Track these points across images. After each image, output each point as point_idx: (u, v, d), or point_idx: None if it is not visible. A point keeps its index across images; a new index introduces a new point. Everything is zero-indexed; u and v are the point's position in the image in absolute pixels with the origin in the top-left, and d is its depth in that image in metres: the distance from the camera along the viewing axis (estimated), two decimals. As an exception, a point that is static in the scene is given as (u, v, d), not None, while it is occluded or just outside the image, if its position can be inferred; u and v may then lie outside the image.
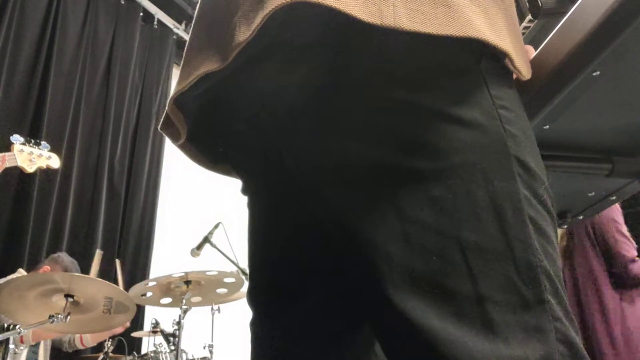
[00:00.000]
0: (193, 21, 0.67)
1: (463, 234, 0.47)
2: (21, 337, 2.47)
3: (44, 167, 2.46)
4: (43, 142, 2.48)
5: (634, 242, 2.26)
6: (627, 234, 2.27)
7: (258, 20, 0.50)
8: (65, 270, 2.78)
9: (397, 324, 0.48)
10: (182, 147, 0.70)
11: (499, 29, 0.52)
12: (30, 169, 2.38)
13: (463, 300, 0.45)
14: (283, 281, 0.67)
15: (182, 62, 0.64)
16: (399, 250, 0.48)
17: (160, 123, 0.68)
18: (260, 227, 0.71)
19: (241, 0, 0.54)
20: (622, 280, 2.22)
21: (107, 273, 3.49)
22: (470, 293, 0.45)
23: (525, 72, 0.56)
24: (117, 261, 2.82)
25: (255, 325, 0.70)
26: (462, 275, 0.46)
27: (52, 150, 2.52)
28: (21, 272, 2.74)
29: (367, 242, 0.50)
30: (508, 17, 0.56)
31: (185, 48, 0.65)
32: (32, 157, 2.38)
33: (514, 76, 0.57)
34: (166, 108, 0.66)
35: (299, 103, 0.56)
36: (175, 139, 0.68)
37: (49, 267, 2.77)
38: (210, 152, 0.73)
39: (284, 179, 0.64)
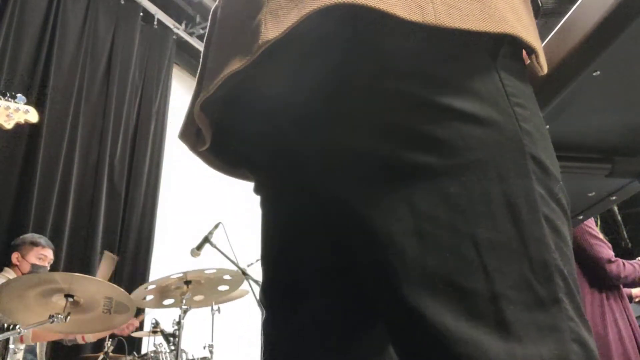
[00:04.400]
0: (209, 23, 0.67)
1: (478, 231, 0.46)
2: (21, 336, 2.47)
3: (22, 122, 2.29)
4: (19, 95, 2.30)
5: (608, 243, 2.27)
6: (600, 235, 2.27)
7: (293, 19, 0.49)
8: (33, 243, 2.81)
9: (409, 322, 0.47)
10: (201, 154, 0.70)
11: (526, 25, 0.52)
12: (8, 125, 2.22)
13: (477, 298, 0.45)
14: (295, 280, 0.66)
15: (200, 65, 0.64)
16: (412, 247, 0.48)
17: (180, 132, 0.67)
18: (272, 226, 0.70)
19: None
20: (604, 282, 2.23)
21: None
22: (485, 291, 0.45)
23: (544, 68, 0.57)
24: (106, 253, 2.79)
25: (267, 324, 0.69)
26: (476, 273, 0.45)
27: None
28: (8, 270, 2.75)
29: (380, 239, 0.50)
30: (529, 13, 0.57)
31: (203, 52, 0.65)
32: (9, 112, 2.21)
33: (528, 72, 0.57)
34: (185, 116, 0.65)
35: (311, 100, 0.56)
36: (194, 146, 0.68)
37: (17, 253, 2.79)
38: (227, 156, 0.73)
39: (296, 178, 0.64)
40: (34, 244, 2.82)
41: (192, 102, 0.65)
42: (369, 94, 0.52)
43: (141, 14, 4.58)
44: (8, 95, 2.24)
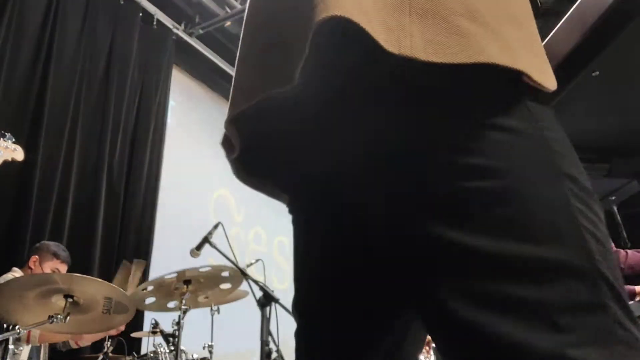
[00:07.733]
0: (243, 34, 0.68)
1: (523, 247, 0.49)
2: (28, 337, 2.47)
3: (10, 160, 2.39)
4: (7, 134, 2.40)
5: None
6: None
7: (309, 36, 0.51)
8: (55, 254, 2.80)
9: (460, 330, 0.50)
10: (233, 164, 0.71)
11: (512, 49, 0.53)
12: None
13: (527, 305, 0.48)
14: (325, 295, 0.68)
15: (235, 78, 0.65)
16: (462, 260, 0.51)
17: (222, 139, 0.70)
18: (304, 249, 0.72)
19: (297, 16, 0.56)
20: None
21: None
22: (533, 298, 0.48)
23: (550, 84, 0.57)
24: (139, 262, 2.81)
25: (299, 336, 0.72)
26: (524, 282, 0.49)
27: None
28: (16, 270, 2.74)
29: (432, 255, 0.53)
30: (524, 33, 0.57)
31: (238, 64, 0.66)
32: None
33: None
34: (224, 126, 0.67)
35: (340, 116, 0.58)
36: (230, 153, 0.70)
37: (36, 257, 2.77)
38: (256, 171, 0.74)
39: (325, 196, 0.66)
40: (55, 255, 2.80)
41: (229, 111, 0.66)
42: (399, 110, 0.55)
43: (140, 14, 4.58)
44: None
